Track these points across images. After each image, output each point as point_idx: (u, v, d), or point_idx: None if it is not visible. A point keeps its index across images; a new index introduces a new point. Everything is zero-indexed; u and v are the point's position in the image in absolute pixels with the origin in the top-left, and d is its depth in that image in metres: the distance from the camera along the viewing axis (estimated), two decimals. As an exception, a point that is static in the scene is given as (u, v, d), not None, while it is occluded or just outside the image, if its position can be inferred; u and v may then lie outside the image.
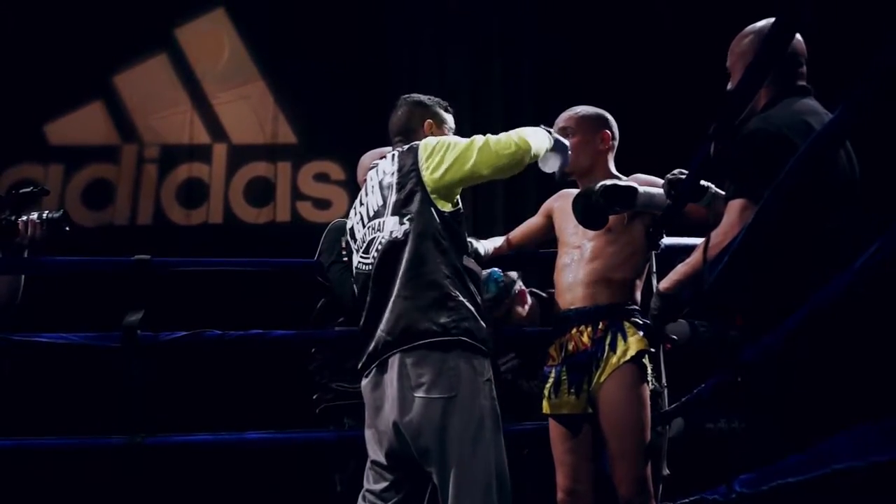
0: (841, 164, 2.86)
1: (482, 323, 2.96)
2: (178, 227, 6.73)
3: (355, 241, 3.18)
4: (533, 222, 3.71)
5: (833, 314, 2.27)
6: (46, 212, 3.55)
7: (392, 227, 3.01)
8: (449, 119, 3.35)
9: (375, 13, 6.87)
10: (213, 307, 4.66)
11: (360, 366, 3.05)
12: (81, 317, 4.19)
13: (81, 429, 3.82)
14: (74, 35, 6.79)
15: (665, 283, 3.04)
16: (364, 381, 3.05)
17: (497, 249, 3.69)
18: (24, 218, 3.52)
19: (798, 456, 2.13)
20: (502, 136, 3.08)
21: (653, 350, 3.38)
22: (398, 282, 2.95)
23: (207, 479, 5.36)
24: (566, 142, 3.34)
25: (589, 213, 3.21)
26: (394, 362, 2.91)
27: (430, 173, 3.03)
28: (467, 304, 2.94)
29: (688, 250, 3.41)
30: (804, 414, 2.80)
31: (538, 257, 3.78)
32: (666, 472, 3.45)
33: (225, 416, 4.43)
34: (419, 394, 2.86)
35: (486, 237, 3.68)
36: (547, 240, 3.68)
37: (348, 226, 3.27)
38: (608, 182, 3.27)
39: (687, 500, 3.14)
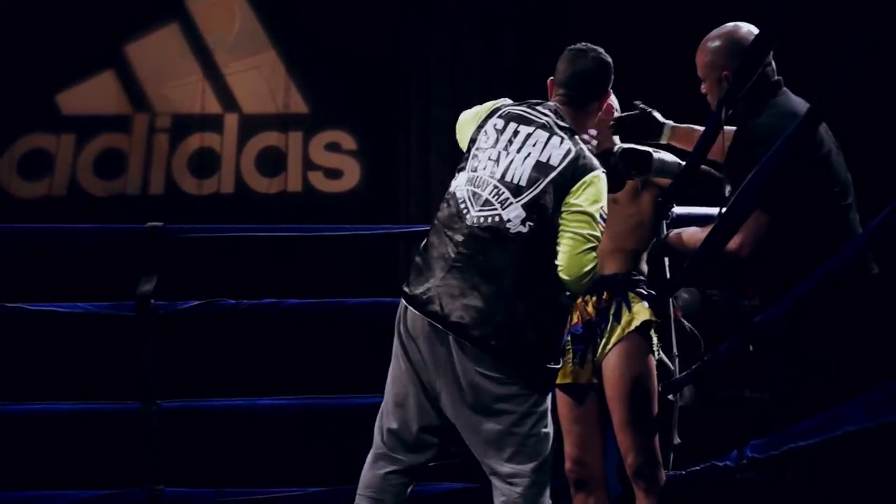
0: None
1: None
2: (190, 196, 6.72)
3: (475, 168, 3.00)
4: None
5: (845, 280, 2.27)
6: None
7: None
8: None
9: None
10: (227, 275, 4.70)
11: None
12: (95, 286, 4.23)
13: (97, 395, 3.86)
14: (86, 4, 6.77)
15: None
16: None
17: None
18: None
19: (810, 420, 2.14)
20: (594, 270, 2.90)
21: (658, 320, 3.39)
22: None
23: (221, 444, 5.40)
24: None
25: (607, 175, 3.19)
26: None
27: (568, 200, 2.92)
28: None
29: (698, 220, 3.42)
30: (816, 380, 2.81)
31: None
32: (677, 440, 3.47)
33: (238, 382, 4.46)
34: None
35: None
36: None
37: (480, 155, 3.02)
38: (626, 145, 3.26)
39: (698, 468, 3.15)
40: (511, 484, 2.85)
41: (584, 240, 2.87)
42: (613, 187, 3.23)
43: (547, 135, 2.96)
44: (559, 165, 2.91)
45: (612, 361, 3.30)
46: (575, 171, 2.91)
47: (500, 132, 3.01)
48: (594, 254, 2.89)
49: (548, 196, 2.89)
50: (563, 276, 2.86)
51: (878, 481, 2.70)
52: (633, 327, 3.29)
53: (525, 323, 2.85)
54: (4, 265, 5.42)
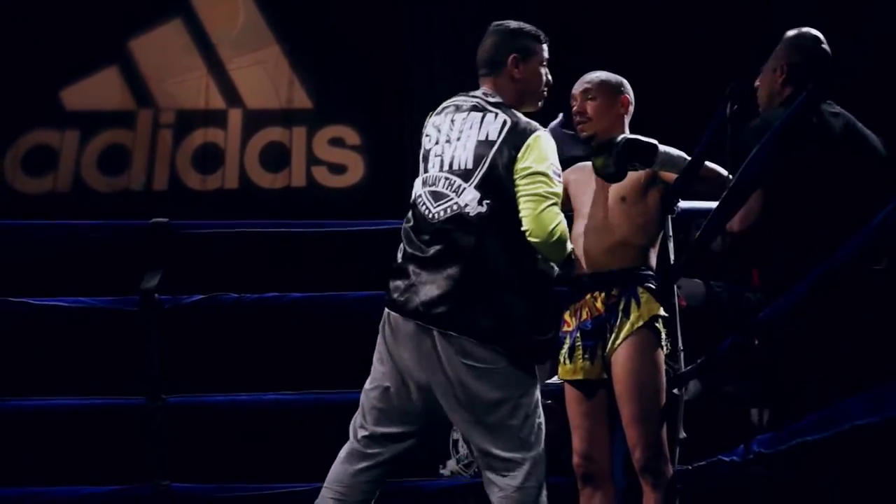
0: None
1: None
2: (194, 192, 6.73)
3: (426, 170, 3.05)
4: None
5: (851, 273, 2.27)
6: None
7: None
8: (540, 50, 3.17)
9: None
10: (231, 270, 4.70)
11: None
12: (100, 281, 4.22)
13: (103, 391, 3.86)
14: (90, 0, 6.78)
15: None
16: None
17: None
18: None
19: (816, 414, 2.14)
20: (561, 225, 2.92)
21: (667, 315, 3.39)
22: None
23: (226, 439, 5.41)
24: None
25: (609, 163, 3.20)
26: None
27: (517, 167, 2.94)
28: None
29: (704, 214, 3.42)
30: (820, 375, 2.81)
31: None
32: (683, 434, 3.46)
33: (243, 377, 4.47)
34: None
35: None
36: (564, 211, 3.68)
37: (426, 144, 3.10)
38: (630, 135, 3.26)
39: (704, 463, 3.15)
40: (506, 475, 2.86)
41: (542, 198, 2.90)
42: (615, 177, 3.23)
43: (480, 114, 3.02)
44: (498, 138, 2.95)
45: (621, 357, 3.29)
46: (515, 137, 2.95)
47: (439, 129, 3.06)
48: (556, 209, 2.92)
49: (496, 170, 2.92)
50: (532, 239, 2.89)
51: (883, 477, 2.70)
52: (642, 322, 3.29)
53: (505, 297, 2.87)
54: (9, 261, 5.43)
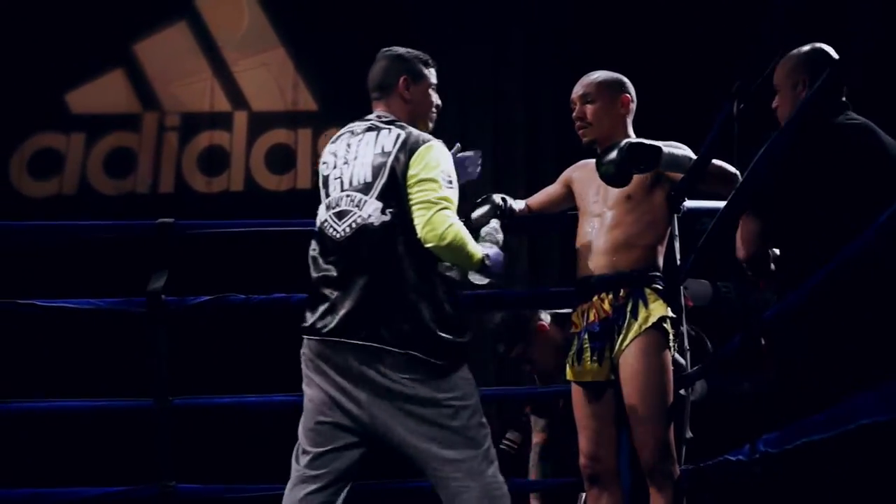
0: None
1: None
2: (200, 194, 6.74)
3: (328, 195, 3.09)
4: (552, 191, 3.70)
5: (857, 272, 2.27)
6: None
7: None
8: (429, 74, 3.23)
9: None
10: (237, 272, 4.69)
11: None
12: (106, 283, 4.23)
13: (110, 392, 3.86)
14: (94, 4, 6.79)
15: None
16: None
17: (519, 212, 3.69)
18: None
19: (822, 414, 2.14)
20: (452, 228, 2.93)
21: (674, 315, 3.39)
22: None
23: (233, 440, 5.41)
24: (496, 263, 3.12)
25: (613, 169, 3.20)
26: None
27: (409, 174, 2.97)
28: None
29: (711, 213, 3.42)
30: (827, 374, 2.81)
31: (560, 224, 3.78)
32: (689, 435, 3.47)
33: (249, 378, 4.47)
34: None
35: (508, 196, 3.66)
36: (565, 208, 3.68)
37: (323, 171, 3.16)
38: (633, 139, 3.26)
39: (711, 463, 3.15)
40: (456, 476, 2.86)
41: (432, 204, 2.92)
42: (620, 182, 3.22)
43: (375, 133, 3.06)
44: (393, 149, 2.99)
45: (629, 358, 3.29)
46: (407, 147, 2.98)
47: (335, 154, 3.11)
48: (448, 213, 2.94)
49: (395, 178, 2.95)
50: (427, 245, 2.91)
51: (890, 475, 2.69)
52: (650, 323, 3.29)
53: (415, 302, 2.89)
54: (15, 263, 5.44)
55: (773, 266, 3.22)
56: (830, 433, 2.07)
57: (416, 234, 2.91)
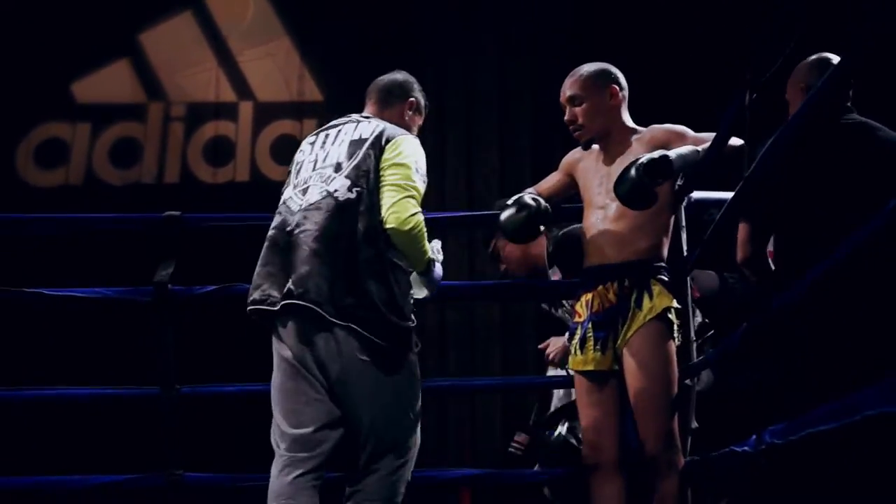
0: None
1: None
2: (205, 185, 6.76)
3: (297, 176, 3.18)
4: (555, 179, 3.68)
5: (861, 264, 2.28)
6: None
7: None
8: (423, 119, 3.43)
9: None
10: (242, 263, 4.69)
11: None
12: (113, 274, 4.24)
13: (116, 381, 3.87)
14: (100, -7, 6.80)
15: None
16: None
17: None
18: None
19: (828, 405, 2.15)
20: (416, 217, 3.01)
21: (679, 306, 3.39)
22: None
23: (239, 429, 5.41)
24: (437, 276, 3.19)
25: (635, 194, 3.18)
26: None
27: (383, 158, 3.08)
28: None
29: (717, 204, 3.43)
30: (833, 364, 2.82)
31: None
32: (694, 425, 3.47)
33: (256, 367, 4.46)
34: None
35: (514, 192, 3.67)
36: (569, 196, 3.68)
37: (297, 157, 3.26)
38: (643, 159, 3.21)
39: (716, 454, 3.16)
40: (382, 458, 2.95)
41: (401, 188, 3.01)
42: (645, 204, 3.21)
43: (355, 124, 3.19)
44: (371, 136, 3.10)
45: (633, 348, 3.30)
46: (385, 136, 3.10)
47: (313, 144, 3.22)
48: (414, 202, 3.02)
49: (367, 162, 3.04)
50: (388, 226, 2.97)
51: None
52: (654, 313, 3.29)
53: (365, 280, 2.93)
54: (22, 253, 5.45)
55: (772, 265, 3.25)
56: (836, 424, 2.08)
57: (378, 217, 2.97)
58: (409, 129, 3.29)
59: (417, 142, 3.17)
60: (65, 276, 4.00)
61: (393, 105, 3.32)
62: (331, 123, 3.27)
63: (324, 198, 3.01)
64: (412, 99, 3.34)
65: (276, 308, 2.97)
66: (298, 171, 3.18)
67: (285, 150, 6.80)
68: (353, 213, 2.98)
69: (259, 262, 3.08)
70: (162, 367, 3.66)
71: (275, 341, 3.04)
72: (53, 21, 6.73)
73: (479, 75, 6.65)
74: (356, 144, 3.09)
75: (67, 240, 5.39)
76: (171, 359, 3.65)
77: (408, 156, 3.06)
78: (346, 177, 3.03)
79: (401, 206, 2.98)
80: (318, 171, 3.09)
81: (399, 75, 3.38)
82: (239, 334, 5.58)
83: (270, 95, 6.95)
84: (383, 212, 2.98)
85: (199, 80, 6.98)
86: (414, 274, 3.09)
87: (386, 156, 3.05)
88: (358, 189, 3.00)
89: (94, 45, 6.87)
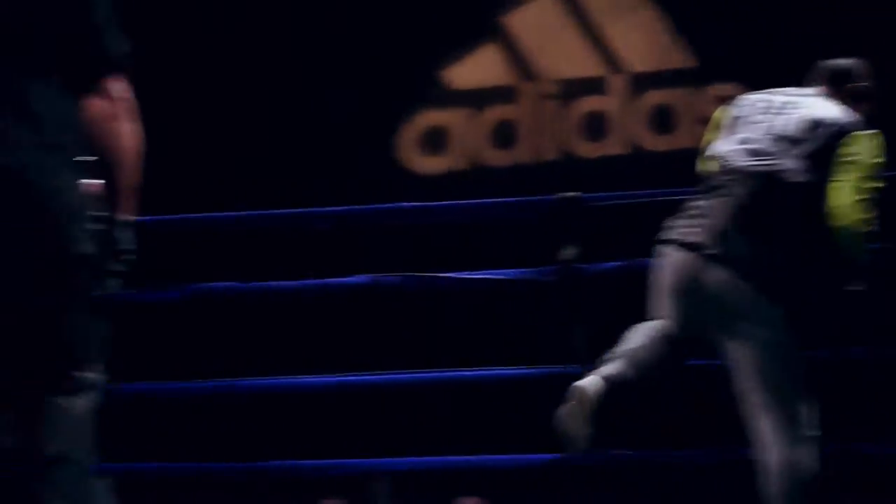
0: None
1: None
2: (584, 161, 6.82)
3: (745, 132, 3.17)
4: None
5: None
6: None
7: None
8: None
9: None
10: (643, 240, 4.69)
11: None
12: (504, 255, 4.35)
13: (532, 360, 3.94)
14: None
15: None
16: None
17: None
18: None
19: None
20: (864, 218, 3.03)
21: None
22: None
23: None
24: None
25: None
26: None
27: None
28: None
29: None
30: None
31: None
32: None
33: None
34: None
35: None
36: None
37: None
38: None
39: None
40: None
41: (859, 188, 3.00)
42: None
43: (810, 98, 3.19)
44: (836, 124, 3.08)
45: None
46: (849, 127, 3.08)
47: (766, 101, 3.22)
48: (865, 204, 3.01)
49: (827, 150, 3.03)
50: (834, 217, 2.98)
51: None
52: None
53: (772, 252, 3.00)
54: (415, 240, 5.65)
55: None
56: None
57: (820, 208, 2.99)
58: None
59: (877, 139, 3.13)
60: (454, 258, 4.14)
61: (840, 87, 3.28)
62: (787, 90, 3.27)
63: (771, 171, 3.06)
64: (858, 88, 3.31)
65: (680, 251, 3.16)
66: (744, 127, 3.21)
67: (661, 119, 6.76)
68: (792, 196, 3.05)
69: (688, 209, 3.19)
70: (574, 345, 3.70)
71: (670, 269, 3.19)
72: (416, 9, 6.93)
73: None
74: (818, 126, 3.09)
75: (459, 225, 5.53)
76: (582, 337, 3.70)
77: (869, 155, 3.07)
78: (804, 158, 3.06)
79: (854, 205, 3.00)
80: (773, 137, 3.12)
81: (850, 63, 3.34)
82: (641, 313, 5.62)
83: (640, 66, 6.90)
84: (833, 199, 3.01)
85: (567, 56, 7.03)
86: None
87: (847, 150, 3.04)
88: (810, 176, 3.03)
89: (462, 32, 7.06)
